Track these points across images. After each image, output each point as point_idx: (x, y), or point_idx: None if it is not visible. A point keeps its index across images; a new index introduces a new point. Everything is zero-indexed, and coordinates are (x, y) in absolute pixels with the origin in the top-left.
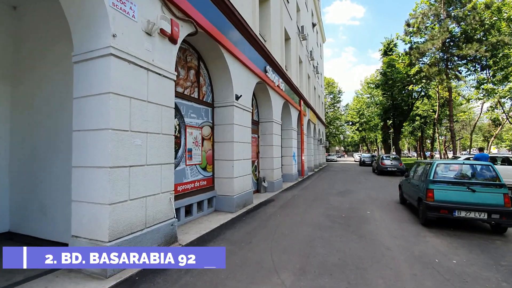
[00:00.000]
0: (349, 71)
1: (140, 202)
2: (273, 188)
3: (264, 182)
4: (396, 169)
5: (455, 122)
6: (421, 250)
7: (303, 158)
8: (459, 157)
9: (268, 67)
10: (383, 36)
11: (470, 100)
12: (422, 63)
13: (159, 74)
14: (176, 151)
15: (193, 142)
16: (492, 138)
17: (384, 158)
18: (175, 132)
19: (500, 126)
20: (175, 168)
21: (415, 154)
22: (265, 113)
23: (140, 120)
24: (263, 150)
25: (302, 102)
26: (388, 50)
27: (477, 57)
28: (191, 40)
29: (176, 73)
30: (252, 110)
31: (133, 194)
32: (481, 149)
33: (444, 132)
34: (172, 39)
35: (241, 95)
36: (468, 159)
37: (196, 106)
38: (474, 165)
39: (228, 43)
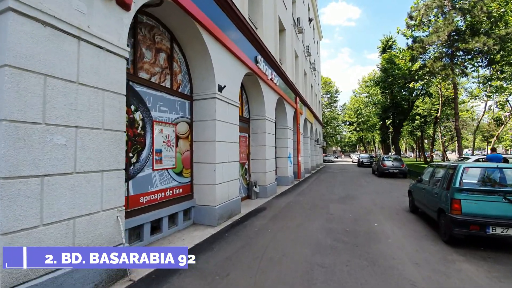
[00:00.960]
0: (345, 72)
1: (63, 227)
2: (265, 194)
3: (256, 187)
4: (398, 170)
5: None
6: (457, 286)
7: (299, 159)
8: (469, 158)
9: (259, 57)
10: (381, 35)
11: (475, 98)
12: (423, 60)
13: (100, 47)
14: (139, 153)
15: (164, 142)
16: (495, 138)
17: (385, 159)
18: (137, 129)
19: (503, 125)
20: (137, 174)
21: (412, 155)
22: (257, 110)
23: (64, 109)
24: (254, 150)
25: (298, 100)
26: (386, 48)
27: (483, 51)
28: (160, 14)
29: (129, 49)
30: (242, 105)
31: (49, 216)
32: (493, 150)
33: (444, 132)
34: (123, 3)
35: (224, 86)
36: (478, 160)
37: (168, 97)
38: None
39: (207, 21)
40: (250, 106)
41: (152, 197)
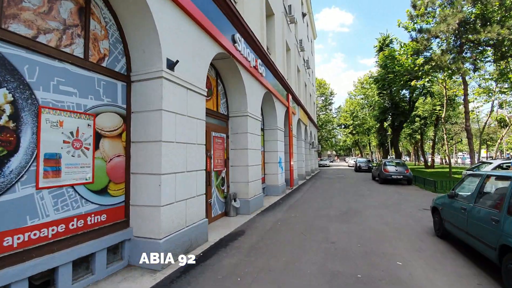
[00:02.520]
0: (339, 76)
1: None
2: (248, 209)
3: (235, 201)
4: (402, 176)
5: (454, 124)
6: None
7: (292, 164)
8: (491, 163)
9: (238, 36)
10: (374, 39)
11: (488, 95)
12: (424, 56)
13: None
14: (2, 160)
15: (67, 142)
16: (499, 140)
17: (387, 164)
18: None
19: (507, 127)
20: None
21: (408, 159)
22: (237, 104)
23: None
24: (234, 155)
25: (290, 98)
26: (384, 46)
27: (496, 43)
28: None
29: None
30: (217, 98)
31: None
32: None
33: (444, 135)
34: None
35: (177, 61)
36: (500, 166)
37: (77, 72)
38: None
39: None
40: (229, 100)
41: (35, 234)
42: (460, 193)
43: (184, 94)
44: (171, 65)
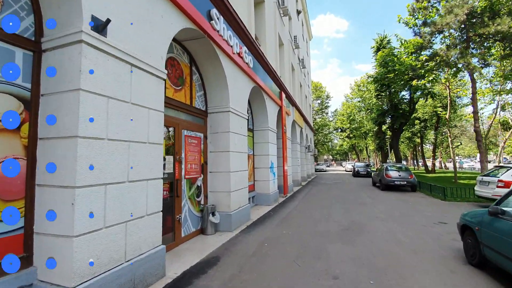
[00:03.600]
0: (335, 82)
1: None
2: (229, 225)
3: (214, 215)
4: (405, 182)
5: (454, 127)
6: None
7: (286, 169)
8: (510, 168)
9: (215, 12)
10: (368, 45)
11: (484, 98)
12: (424, 55)
13: None
14: None
15: None
16: (502, 144)
17: (389, 168)
18: None
19: (511, 130)
20: None
21: (405, 163)
22: (217, 98)
23: None
24: (213, 159)
25: (284, 96)
26: (381, 47)
27: (507, 37)
28: None
29: None
30: (192, 90)
31: None
32: None
33: (443, 138)
34: None
35: (108, 20)
36: None
37: None
38: None
39: None
40: (208, 93)
41: None
42: (508, 209)
43: (125, 71)
44: (100, 25)
